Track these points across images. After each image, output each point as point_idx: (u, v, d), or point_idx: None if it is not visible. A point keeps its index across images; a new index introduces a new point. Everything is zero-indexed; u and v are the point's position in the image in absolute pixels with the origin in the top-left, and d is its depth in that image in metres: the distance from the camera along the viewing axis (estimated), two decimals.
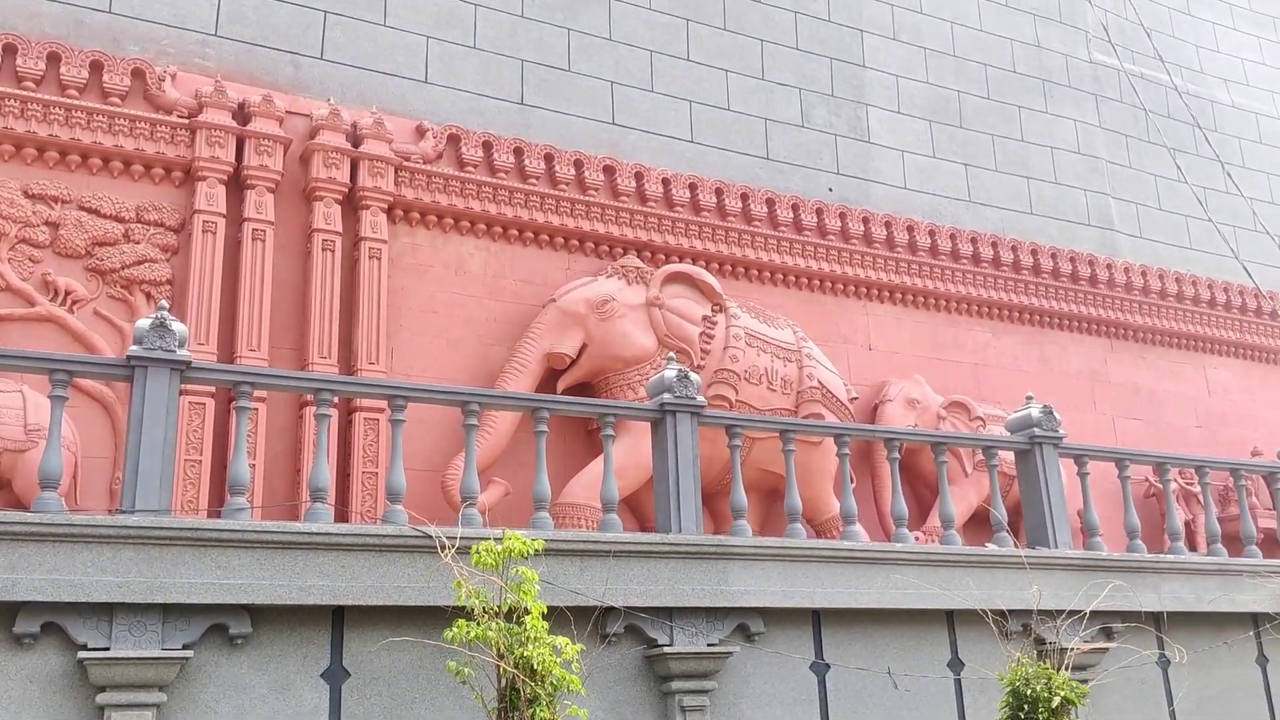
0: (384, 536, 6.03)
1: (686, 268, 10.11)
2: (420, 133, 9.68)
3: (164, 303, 6.30)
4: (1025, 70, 13.77)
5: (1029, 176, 13.28)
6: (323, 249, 8.89)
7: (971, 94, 13.22)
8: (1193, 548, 11.06)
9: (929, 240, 11.97)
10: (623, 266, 9.95)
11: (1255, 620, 8.87)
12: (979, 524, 10.46)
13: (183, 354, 6.04)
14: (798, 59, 12.08)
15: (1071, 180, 13.60)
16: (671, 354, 8.20)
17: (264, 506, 7.76)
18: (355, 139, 9.26)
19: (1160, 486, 9.46)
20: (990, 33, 13.66)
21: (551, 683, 5.16)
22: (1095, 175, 13.84)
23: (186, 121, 8.64)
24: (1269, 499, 11.60)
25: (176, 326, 6.06)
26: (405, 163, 9.39)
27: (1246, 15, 16.62)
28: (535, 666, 5.15)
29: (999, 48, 13.65)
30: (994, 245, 12.39)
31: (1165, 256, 13.94)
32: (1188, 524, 12.01)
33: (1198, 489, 10.97)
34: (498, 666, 5.22)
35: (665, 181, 10.65)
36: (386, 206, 9.25)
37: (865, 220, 11.66)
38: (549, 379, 9.44)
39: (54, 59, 8.44)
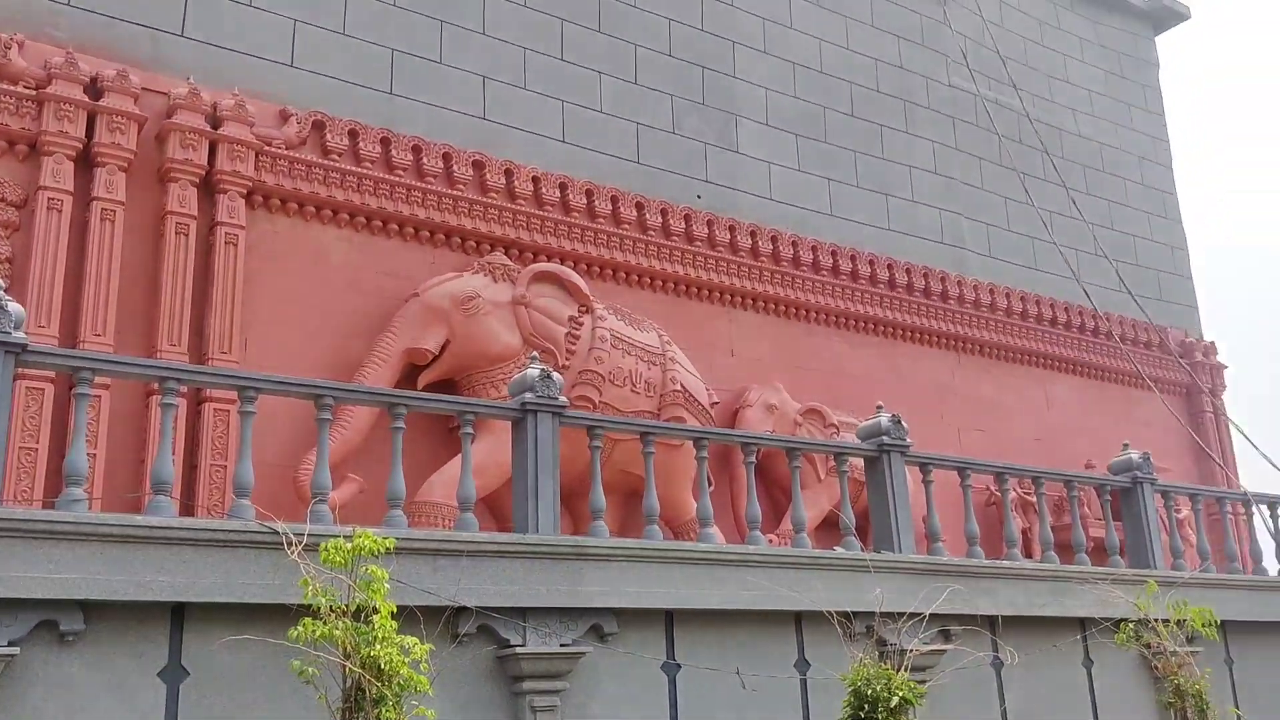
0: (229, 532, 5.86)
1: (554, 267, 10.11)
2: (284, 117, 9.43)
3: (0, 281, 5.99)
4: (888, 90, 14.22)
5: (888, 193, 13.72)
6: (176, 233, 8.57)
7: (837, 110, 13.58)
8: (1029, 555, 11.61)
9: (792, 251, 12.26)
10: (489, 263, 9.89)
11: (1083, 624, 9.35)
12: (831, 527, 10.74)
13: (19, 336, 5.76)
14: (671, 65, 12.22)
15: (927, 199, 14.11)
16: (535, 353, 8.19)
17: (103, 498, 7.45)
18: (215, 120, 8.96)
19: (999, 495, 9.89)
20: (857, 52, 14.07)
21: (399, 683, 5.10)
22: (949, 195, 14.39)
23: (33, 93, 8.23)
24: (1099, 509, 12.27)
25: (12, 307, 5.77)
26: (267, 147, 9.13)
27: (1095, 49, 17.52)
28: (382, 666, 5.08)
29: (864, 67, 14.07)
30: (853, 258, 12.76)
31: (1012, 276, 14.58)
32: (1025, 532, 12.58)
33: (1035, 498, 11.52)
34: (343, 666, 5.13)
35: (535, 180, 10.63)
36: (245, 191, 8.98)
37: (731, 228, 11.87)
38: (410, 375, 9.32)
39: None
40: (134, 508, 7.33)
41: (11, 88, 8.18)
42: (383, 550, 5.38)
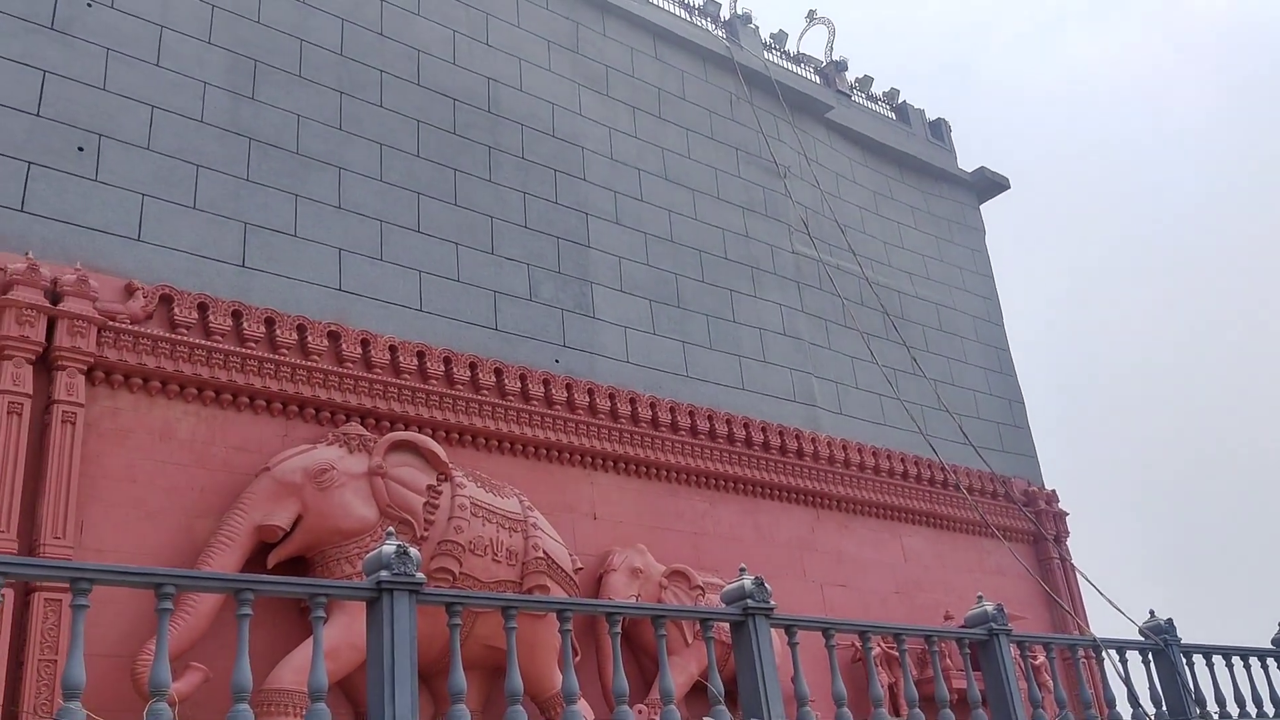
0: None
1: (412, 435, 9.97)
2: (129, 291, 9.21)
3: None
4: (735, 257, 14.81)
5: (740, 354, 14.11)
6: (9, 412, 8.16)
7: (688, 276, 14.04)
8: (896, 712, 11.62)
9: (650, 412, 12.42)
10: (344, 434, 9.69)
11: None
12: (701, 694, 10.58)
13: None
14: (526, 236, 12.48)
15: (778, 359, 14.56)
16: (391, 527, 7.97)
17: None
18: (55, 296, 8.68)
19: (864, 652, 9.93)
20: (704, 222, 14.65)
21: None
22: (799, 355, 14.90)
23: None
24: (960, 661, 12.42)
25: None
26: (110, 322, 8.87)
27: (925, 217, 18.67)
28: None
29: (712, 236, 14.65)
30: (710, 418, 12.99)
31: (862, 432, 15.04)
32: (891, 686, 12.63)
33: (897, 653, 11.61)
34: None
35: (392, 348, 10.57)
36: (86, 368, 8.66)
37: (590, 391, 11.97)
38: (260, 553, 8.93)
39: None
40: None
41: None
42: None
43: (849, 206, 17.14)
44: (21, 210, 9.01)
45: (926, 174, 19.16)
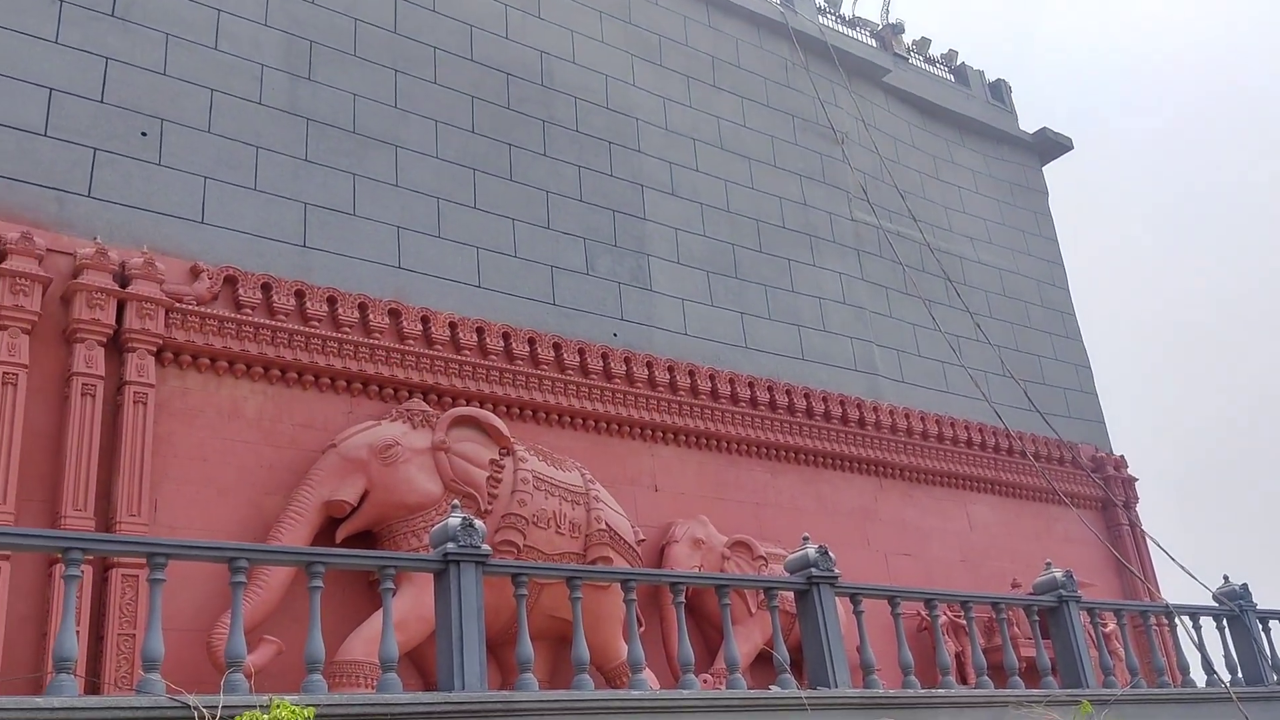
0: (138, 709, 5.55)
1: (473, 411, 10.04)
2: (195, 273, 9.37)
3: None
4: (793, 226, 14.68)
5: (800, 324, 14.01)
6: (82, 394, 8.36)
7: (745, 246, 13.94)
8: (963, 680, 11.53)
9: (709, 384, 12.39)
10: (408, 410, 9.80)
11: None
12: (766, 662, 10.59)
13: None
14: (582, 210, 12.47)
15: (838, 328, 14.44)
16: (457, 500, 8.05)
17: (2, 680, 7.02)
18: (123, 279, 8.85)
19: (930, 621, 9.87)
20: (761, 191, 14.53)
21: None
22: (860, 324, 14.75)
23: None
24: (1029, 629, 12.29)
25: None
26: (177, 304, 9.03)
27: (987, 180, 18.36)
28: None
29: (769, 204, 14.53)
30: (770, 389, 12.93)
31: (925, 400, 14.88)
32: (957, 655, 12.54)
33: (964, 621, 11.50)
34: None
35: (452, 325, 10.64)
36: (155, 349, 8.83)
37: (649, 364, 11.97)
38: (328, 528, 9.08)
39: None
40: (35, 688, 6.95)
41: None
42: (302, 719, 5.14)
43: (908, 171, 16.90)
44: (89, 196, 9.19)
45: (987, 136, 18.82)
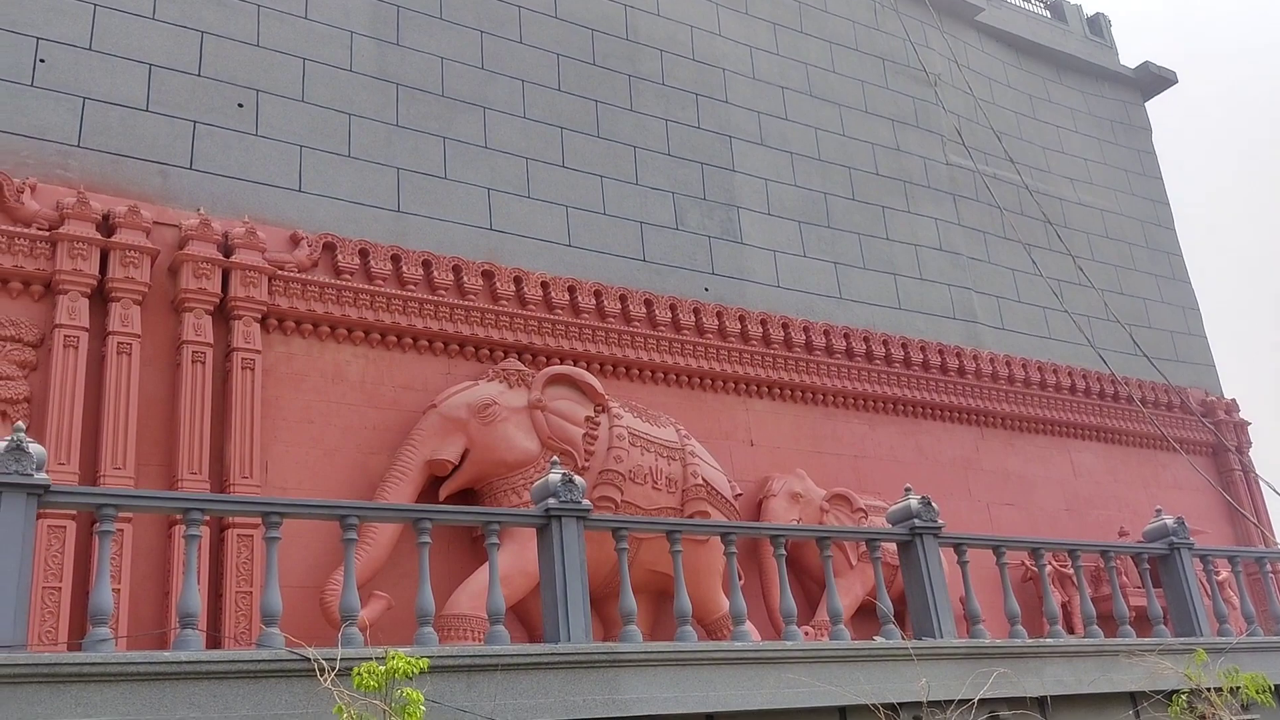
0: (260, 662, 5.75)
1: (568, 369, 10.12)
2: (294, 241, 9.56)
3: (20, 424, 5.99)
4: (887, 172, 14.39)
5: (895, 273, 13.77)
6: (193, 361, 8.62)
7: (837, 195, 13.72)
8: (1069, 629, 11.33)
9: (803, 336, 12.27)
10: (504, 370, 9.91)
11: (1133, 699, 9.07)
12: (864, 615, 10.55)
13: (40, 477, 5.73)
14: (670, 164, 12.39)
15: (935, 276, 14.16)
16: (555, 457, 8.13)
17: (130, 636, 7.34)
18: (227, 249, 9.08)
19: (1036, 570, 9.70)
20: (852, 137, 14.26)
21: None
22: (957, 270, 14.44)
23: (47, 234, 8.36)
24: (1138, 578, 12.01)
25: (34, 448, 5.76)
26: (279, 271, 9.24)
27: (1087, 119, 17.75)
28: None
29: (861, 151, 14.25)
30: (865, 340, 12.75)
31: (1026, 346, 14.54)
32: (1063, 605, 12.33)
33: (1071, 571, 11.27)
34: None
35: (544, 285, 10.70)
36: (260, 316, 9.06)
37: (741, 318, 11.89)
38: (431, 486, 9.26)
39: None
40: (160, 643, 7.25)
41: (25, 230, 8.31)
42: (416, 671, 5.27)
43: (1004, 112, 16.41)
44: (190, 168, 9.42)
45: (1086, 73, 18.17)
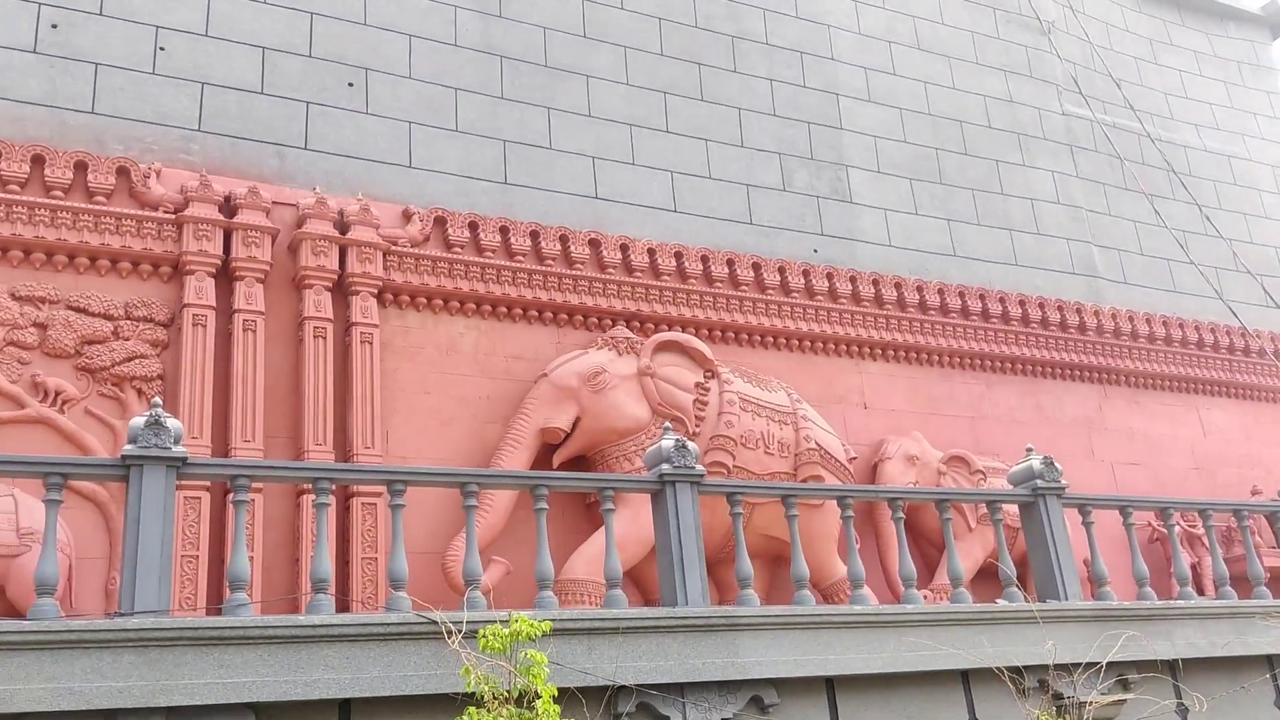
0: (389, 625, 5.93)
1: (677, 335, 10.12)
2: (407, 216, 9.73)
3: (157, 400, 6.25)
4: (1000, 125, 13.97)
5: (1011, 229, 13.39)
6: (314, 336, 8.88)
7: (949, 150, 13.38)
8: (1199, 591, 10.97)
9: (917, 296, 12.03)
10: (613, 338, 9.96)
11: (1270, 662, 8.77)
12: (983, 579, 10.37)
13: (178, 450, 5.98)
14: (776, 125, 12.23)
15: (1053, 230, 13.73)
16: (667, 423, 8.15)
17: (264, 601, 7.64)
18: (342, 226, 9.30)
19: (1164, 531, 9.40)
20: (963, 90, 13.87)
21: None
22: (1076, 224, 13.98)
23: (173, 217, 8.67)
24: (1272, 538, 11.55)
25: (171, 423, 6.00)
26: (393, 247, 9.43)
27: (1212, 61, 16.94)
28: None
29: (973, 104, 13.86)
30: (981, 298, 12.45)
31: (1151, 301, 14.03)
32: (1193, 567, 11.93)
33: (1201, 531, 10.89)
34: None
35: (651, 251, 10.70)
36: (376, 291, 9.27)
37: (852, 279, 11.72)
38: (544, 454, 9.39)
39: (38, 161, 8.48)
40: (293, 608, 7.52)
41: (153, 214, 8.64)
42: (540, 633, 5.37)
43: (1123, 58, 15.76)
44: (305, 148, 9.66)
45: (1210, 13, 17.31)
